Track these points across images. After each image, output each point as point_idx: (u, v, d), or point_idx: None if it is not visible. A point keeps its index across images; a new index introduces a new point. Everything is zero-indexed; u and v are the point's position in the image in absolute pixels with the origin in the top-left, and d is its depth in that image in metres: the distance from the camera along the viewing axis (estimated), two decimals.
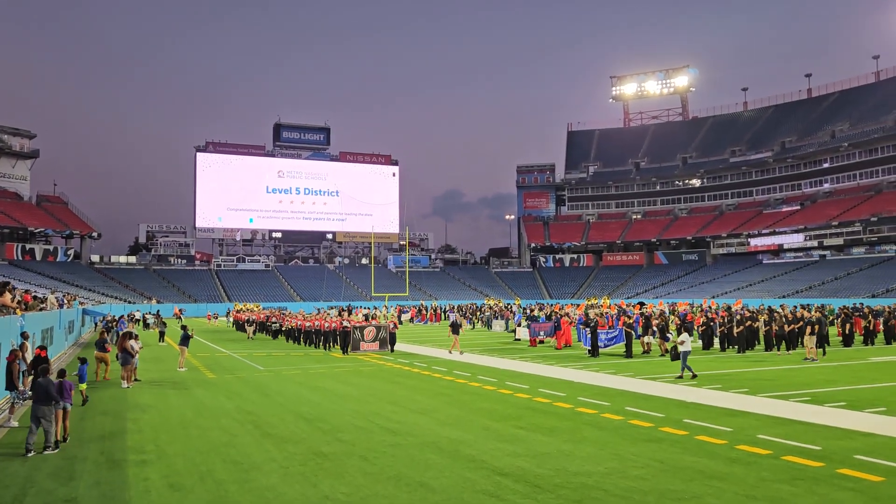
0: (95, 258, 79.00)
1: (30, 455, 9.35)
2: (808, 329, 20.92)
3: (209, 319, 54.23)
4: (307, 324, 29.89)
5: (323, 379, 17.72)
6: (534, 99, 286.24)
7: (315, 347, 27.93)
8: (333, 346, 26.94)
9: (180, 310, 58.93)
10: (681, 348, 16.73)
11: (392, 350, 25.47)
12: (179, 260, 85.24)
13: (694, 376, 16.35)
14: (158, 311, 53.49)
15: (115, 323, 31.82)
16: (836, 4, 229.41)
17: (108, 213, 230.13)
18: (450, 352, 24.57)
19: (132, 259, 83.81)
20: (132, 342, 17.37)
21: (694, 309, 35.30)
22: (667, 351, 22.85)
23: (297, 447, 9.68)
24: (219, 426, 11.38)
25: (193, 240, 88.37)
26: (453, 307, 55.93)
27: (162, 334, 32.77)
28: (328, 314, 34.21)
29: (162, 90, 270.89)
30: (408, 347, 27.63)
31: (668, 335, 24.59)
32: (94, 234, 78.45)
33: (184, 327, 21.25)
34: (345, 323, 26.21)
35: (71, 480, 8.20)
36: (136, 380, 17.37)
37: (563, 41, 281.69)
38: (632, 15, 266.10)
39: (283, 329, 33.74)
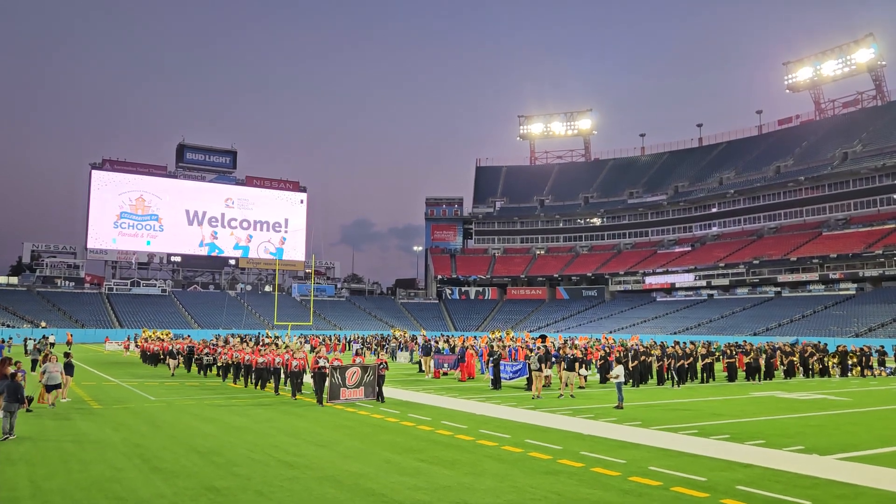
0: None
1: None
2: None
3: (126, 348, 47.53)
4: (260, 359, 22.44)
5: (219, 410, 17.03)
6: (445, 133, 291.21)
7: (276, 392, 21.20)
8: (301, 390, 20.35)
9: (71, 335, 55.11)
10: (615, 381, 18.09)
11: (381, 398, 18.89)
12: (67, 282, 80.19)
13: (619, 407, 17.46)
14: (44, 335, 49.95)
15: None
16: (726, 59, 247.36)
17: None
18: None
19: (13, 280, 78.23)
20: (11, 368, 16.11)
21: (592, 343, 36.41)
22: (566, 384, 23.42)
23: (188, 482, 9.21)
24: (103, 459, 10.68)
25: (84, 261, 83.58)
26: (357, 337, 55.35)
27: (35, 362, 30.28)
28: (295, 346, 27.48)
29: (55, 102, 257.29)
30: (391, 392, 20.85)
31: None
32: None
33: (67, 354, 20.00)
34: (321, 362, 19.08)
35: None
36: None
37: (474, 79, 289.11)
38: (540, 57, 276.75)
39: (220, 364, 26.50)
